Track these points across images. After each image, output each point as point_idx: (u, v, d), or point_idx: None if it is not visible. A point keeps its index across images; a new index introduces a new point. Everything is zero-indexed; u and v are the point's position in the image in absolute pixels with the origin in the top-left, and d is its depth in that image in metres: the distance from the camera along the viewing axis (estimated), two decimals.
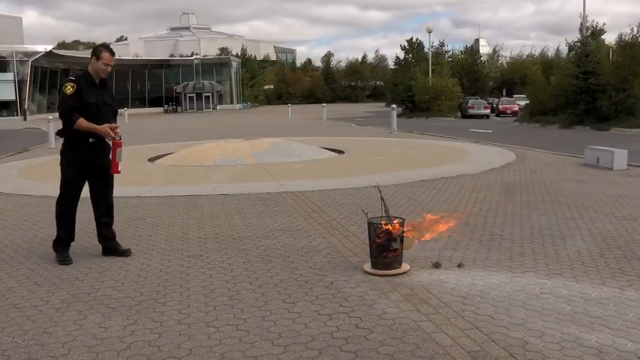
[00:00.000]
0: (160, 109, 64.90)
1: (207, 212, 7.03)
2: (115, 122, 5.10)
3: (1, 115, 49.14)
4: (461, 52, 59.08)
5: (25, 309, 3.85)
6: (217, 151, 13.08)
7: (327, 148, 14.44)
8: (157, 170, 11.94)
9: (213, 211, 7.07)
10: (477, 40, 75.92)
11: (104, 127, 4.85)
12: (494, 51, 68.75)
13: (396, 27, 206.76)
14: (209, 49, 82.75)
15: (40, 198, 8.30)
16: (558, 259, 4.68)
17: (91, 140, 4.89)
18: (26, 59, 51.47)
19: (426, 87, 41.84)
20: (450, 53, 56.79)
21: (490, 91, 56.53)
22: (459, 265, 4.53)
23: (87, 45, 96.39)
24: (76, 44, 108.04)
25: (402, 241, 4.40)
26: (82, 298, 4.03)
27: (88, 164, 4.94)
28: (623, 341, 3.11)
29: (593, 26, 37.81)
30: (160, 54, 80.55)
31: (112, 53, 5.03)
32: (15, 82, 50.77)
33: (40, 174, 11.32)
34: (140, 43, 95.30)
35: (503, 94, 53.00)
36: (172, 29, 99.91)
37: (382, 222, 4.38)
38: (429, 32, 44.81)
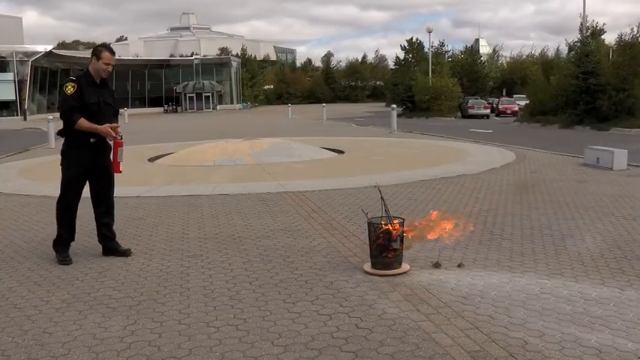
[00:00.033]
0: (160, 109, 64.90)
1: (207, 212, 7.03)
2: (116, 122, 5.10)
3: (1, 115, 49.15)
4: (461, 52, 59.12)
5: (25, 309, 3.85)
6: (217, 151, 13.08)
7: (327, 148, 14.44)
8: (157, 170, 11.94)
9: (213, 211, 7.07)
10: (476, 40, 75.91)
11: (105, 127, 4.86)
12: (494, 51, 68.78)
13: (396, 27, 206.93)
14: (209, 49, 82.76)
15: (40, 198, 8.30)
16: (558, 259, 4.68)
17: (92, 140, 4.89)
18: (26, 59, 51.48)
19: (426, 87, 41.85)
20: (450, 53, 56.83)
21: (490, 91, 56.53)
22: (459, 265, 4.53)
23: (87, 45, 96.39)
24: (76, 44, 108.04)
25: (402, 241, 4.40)
26: (82, 298, 4.03)
27: (89, 164, 4.94)
28: (623, 341, 3.11)
29: (593, 26, 37.78)
30: (160, 54, 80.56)
31: (113, 53, 5.03)
32: (15, 82, 50.78)
33: (40, 174, 11.32)
34: (140, 43, 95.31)
35: (503, 94, 53.00)
36: (172, 29, 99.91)
37: (382, 222, 4.38)
38: (429, 32, 44.86)
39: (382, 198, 4.51)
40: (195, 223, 6.45)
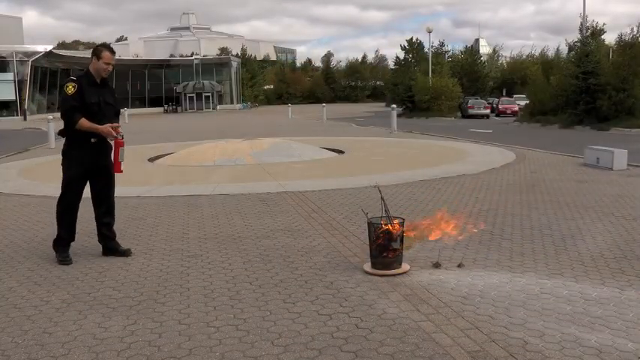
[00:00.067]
0: (160, 109, 64.90)
1: (207, 212, 7.03)
2: (117, 122, 5.11)
3: (1, 115, 49.15)
4: (461, 52, 59.10)
5: (25, 309, 3.85)
6: (217, 151, 13.08)
7: (327, 148, 14.44)
8: (157, 170, 11.94)
9: (213, 211, 7.07)
10: (476, 40, 75.90)
11: (106, 127, 4.86)
12: (494, 51, 68.75)
13: (396, 27, 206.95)
14: (209, 49, 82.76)
15: (40, 198, 8.30)
16: (558, 259, 4.68)
17: (92, 140, 4.89)
18: (26, 59, 51.48)
19: (426, 87, 41.84)
20: (450, 53, 56.82)
21: (490, 91, 56.52)
22: (459, 265, 4.53)
23: (87, 45, 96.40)
24: (76, 44, 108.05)
25: (402, 241, 4.40)
26: (82, 298, 4.03)
27: (90, 164, 4.94)
28: (623, 341, 3.11)
29: (593, 26, 37.77)
30: (160, 54, 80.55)
31: (113, 52, 5.03)
32: (15, 82, 50.78)
33: (40, 174, 11.32)
34: (140, 43, 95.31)
35: (503, 94, 52.99)
36: (172, 29, 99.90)
37: (382, 222, 4.38)
38: (429, 32, 44.84)
39: (382, 198, 4.51)
40: (195, 223, 6.45)
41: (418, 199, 7.51)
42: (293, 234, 5.75)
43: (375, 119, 35.70)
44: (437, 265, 4.52)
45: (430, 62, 45.03)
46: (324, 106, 35.12)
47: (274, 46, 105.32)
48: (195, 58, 72.83)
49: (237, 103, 70.61)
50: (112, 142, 5.02)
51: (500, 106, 41.02)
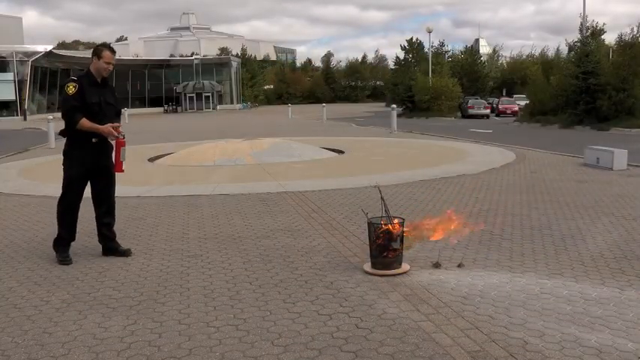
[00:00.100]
0: (160, 109, 64.90)
1: (207, 212, 7.03)
2: (119, 121, 5.11)
3: (1, 115, 49.15)
4: (461, 52, 59.10)
5: (25, 309, 3.85)
6: (217, 151, 13.08)
7: (327, 148, 14.44)
8: (157, 170, 11.94)
9: (213, 211, 7.07)
10: (476, 40, 75.90)
11: (107, 127, 4.86)
12: (494, 51, 68.75)
13: (396, 27, 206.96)
14: (209, 49, 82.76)
15: (40, 198, 8.30)
16: (558, 259, 4.68)
17: (93, 140, 4.89)
18: (26, 59, 51.48)
19: (426, 87, 41.84)
20: (450, 53, 56.82)
21: (490, 91, 56.53)
22: (459, 265, 4.53)
23: (87, 45, 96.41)
24: (76, 44, 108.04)
25: (402, 241, 4.40)
26: (82, 298, 4.03)
27: (91, 164, 4.95)
28: (623, 341, 3.11)
29: (593, 26, 37.79)
30: (160, 54, 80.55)
31: (113, 52, 5.03)
32: (15, 82, 50.78)
33: (40, 174, 11.32)
34: (140, 43, 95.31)
35: (503, 94, 52.99)
36: (172, 29, 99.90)
37: (382, 222, 4.38)
38: (429, 32, 44.85)
39: (382, 198, 4.51)
40: (195, 223, 6.45)
41: (418, 199, 7.51)
42: (293, 234, 5.75)
43: (375, 119, 35.70)
44: (437, 265, 4.52)
45: (430, 62, 45.03)
46: (324, 106, 35.12)
47: (274, 46, 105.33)
48: (195, 58, 72.84)
49: (237, 103, 70.61)
50: (113, 142, 5.03)
51: (500, 106, 41.02)
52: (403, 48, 51.40)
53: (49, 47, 56.25)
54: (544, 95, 29.41)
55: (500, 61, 67.77)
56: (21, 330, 3.49)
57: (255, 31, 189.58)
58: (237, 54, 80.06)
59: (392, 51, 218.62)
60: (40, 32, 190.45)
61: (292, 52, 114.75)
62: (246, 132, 21.66)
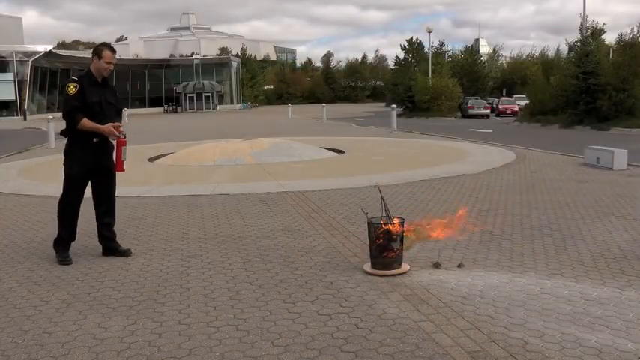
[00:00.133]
0: (160, 109, 64.90)
1: (207, 212, 7.03)
2: (119, 121, 5.11)
3: (1, 115, 49.14)
4: (461, 52, 59.10)
5: (25, 309, 3.85)
6: (217, 151, 13.08)
7: (327, 148, 14.44)
8: (157, 170, 11.94)
9: (213, 211, 7.07)
10: (476, 40, 75.89)
11: (108, 127, 4.86)
12: (494, 51, 68.74)
13: (396, 27, 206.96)
14: (209, 49, 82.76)
15: (40, 198, 8.30)
16: (558, 259, 4.68)
17: (95, 140, 4.90)
18: (26, 59, 51.47)
19: (426, 87, 41.85)
20: (450, 53, 56.83)
21: (490, 91, 56.52)
22: (459, 265, 4.53)
23: (87, 45, 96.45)
24: (76, 44, 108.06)
25: (402, 241, 4.40)
26: (82, 298, 4.03)
27: (92, 164, 4.95)
28: (623, 341, 3.11)
29: (593, 26, 37.82)
30: (160, 54, 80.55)
31: (114, 51, 5.03)
32: (15, 82, 50.77)
33: (40, 174, 11.32)
34: (140, 43, 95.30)
35: (503, 94, 52.99)
36: (172, 29, 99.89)
37: (382, 222, 4.38)
38: (429, 32, 44.84)
39: (382, 198, 4.51)
40: (195, 223, 6.45)
41: (418, 199, 7.51)
42: (293, 234, 5.75)
43: (375, 119, 35.70)
44: (437, 265, 4.52)
45: (430, 62, 45.03)
46: (324, 106, 35.13)
47: (274, 46, 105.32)
48: (195, 58, 72.84)
49: (237, 103, 70.61)
50: (114, 142, 5.03)
51: (500, 106, 41.02)
52: (403, 48, 51.41)
53: (49, 47, 56.26)
54: (544, 95, 29.41)
55: (500, 61, 67.79)
56: (21, 330, 3.49)
57: (255, 31, 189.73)
58: (237, 54, 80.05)
59: (392, 51, 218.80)
60: (40, 32, 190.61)
61: (292, 52, 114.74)
62: (246, 132, 21.66)
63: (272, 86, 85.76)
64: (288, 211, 6.91)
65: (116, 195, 5.28)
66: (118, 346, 3.23)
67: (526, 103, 33.93)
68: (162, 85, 69.35)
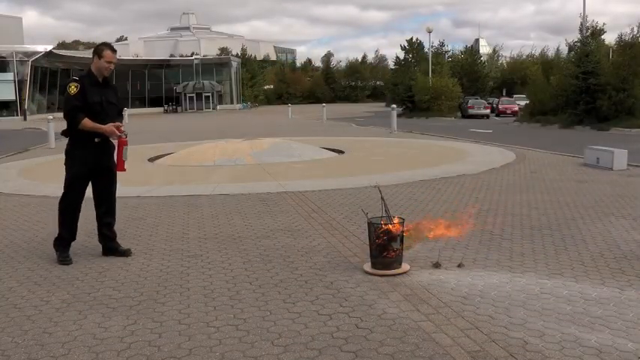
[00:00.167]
0: (160, 109, 64.91)
1: (207, 212, 7.03)
2: (121, 121, 5.11)
3: (1, 115, 49.16)
4: (461, 52, 59.10)
5: (25, 309, 3.85)
6: (217, 151, 13.08)
7: (327, 148, 14.44)
8: (157, 170, 11.94)
9: (213, 211, 7.07)
10: (476, 40, 75.90)
11: (109, 127, 4.87)
12: (494, 51, 68.75)
13: (396, 27, 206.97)
14: (209, 49, 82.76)
15: (40, 198, 8.30)
16: (558, 259, 4.68)
17: (96, 140, 4.90)
18: (26, 59, 51.49)
19: (426, 87, 41.85)
20: (450, 53, 56.82)
21: (490, 91, 56.53)
22: (459, 265, 4.53)
23: (87, 45, 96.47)
24: (76, 44, 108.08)
25: (402, 241, 4.40)
26: (82, 298, 4.03)
27: (93, 164, 4.95)
28: (623, 341, 3.11)
29: (593, 26, 37.81)
30: (160, 54, 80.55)
31: (114, 51, 5.04)
32: (15, 82, 50.79)
33: (40, 174, 11.32)
34: (140, 43, 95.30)
35: (503, 94, 52.99)
36: (172, 29, 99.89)
37: (382, 222, 4.38)
38: (429, 32, 44.84)
39: (382, 198, 4.51)
40: (195, 223, 6.45)
41: (418, 199, 7.51)
42: (293, 234, 5.75)
43: (375, 119, 35.70)
44: (437, 265, 4.52)
45: (430, 62, 45.03)
46: (324, 106, 35.13)
47: (274, 46, 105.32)
48: (195, 58, 72.85)
49: (237, 103, 70.62)
50: (116, 142, 5.03)
51: (500, 106, 41.02)
52: (403, 48, 51.41)
53: (49, 47, 56.27)
54: (544, 95, 29.41)
55: (500, 61, 67.79)
56: (21, 330, 3.49)
57: (255, 31, 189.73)
58: (237, 54, 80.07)
59: (392, 51, 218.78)
60: (40, 32, 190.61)
61: (292, 52, 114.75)
62: (246, 132, 21.66)
63: (272, 86, 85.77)
64: (288, 211, 6.91)
65: (117, 195, 5.28)
66: (118, 346, 3.23)
67: (526, 103, 33.93)
68: (163, 85, 69.36)
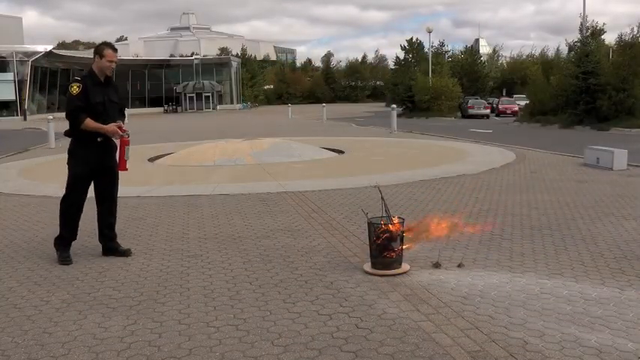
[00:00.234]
0: (160, 109, 64.93)
1: (207, 212, 7.03)
2: (123, 120, 5.12)
3: (1, 115, 49.17)
4: (461, 52, 59.12)
5: (25, 309, 3.85)
6: (217, 151, 13.08)
7: (327, 148, 14.44)
8: (157, 170, 11.94)
9: (213, 211, 7.07)
10: (477, 40, 75.90)
11: (111, 127, 4.87)
12: (494, 51, 68.75)
13: (396, 27, 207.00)
14: (209, 49, 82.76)
15: (40, 198, 8.30)
16: (558, 259, 4.68)
17: (98, 140, 4.90)
18: (26, 59, 51.50)
19: (426, 87, 41.85)
20: (450, 53, 56.83)
21: (490, 91, 56.53)
22: (459, 265, 4.53)
23: (87, 45, 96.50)
24: (76, 44, 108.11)
25: (402, 241, 4.40)
26: (82, 298, 4.03)
27: (95, 164, 4.96)
28: (623, 341, 3.11)
29: (593, 26, 37.82)
30: (160, 54, 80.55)
31: (115, 50, 5.04)
32: (15, 82, 50.80)
33: (40, 174, 11.32)
34: (140, 43, 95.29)
35: (503, 94, 52.99)
36: (172, 29, 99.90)
37: (382, 222, 4.38)
38: (429, 32, 44.85)
39: (382, 198, 4.51)
40: (195, 223, 6.45)
41: (418, 199, 7.51)
42: (293, 234, 5.75)
43: (375, 119, 35.70)
44: (437, 265, 4.52)
45: (430, 62, 45.04)
46: (324, 106, 35.13)
47: (274, 46, 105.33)
48: (195, 58, 72.86)
49: (237, 103, 70.63)
50: (118, 141, 5.03)
51: (500, 106, 41.03)
52: (403, 48, 51.41)
53: (49, 47, 56.29)
54: (544, 95, 29.41)
55: (500, 61, 67.79)
56: (21, 330, 3.49)
57: (255, 31, 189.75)
58: (237, 54, 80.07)
59: (392, 51, 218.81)
60: (40, 32, 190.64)
61: (292, 52, 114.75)
62: (246, 132, 21.66)
63: (272, 86, 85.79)
64: (288, 211, 6.91)
65: (118, 195, 5.28)
66: (118, 346, 3.23)
67: (526, 103, 33.93)
68: (162, 85, 69.38)
